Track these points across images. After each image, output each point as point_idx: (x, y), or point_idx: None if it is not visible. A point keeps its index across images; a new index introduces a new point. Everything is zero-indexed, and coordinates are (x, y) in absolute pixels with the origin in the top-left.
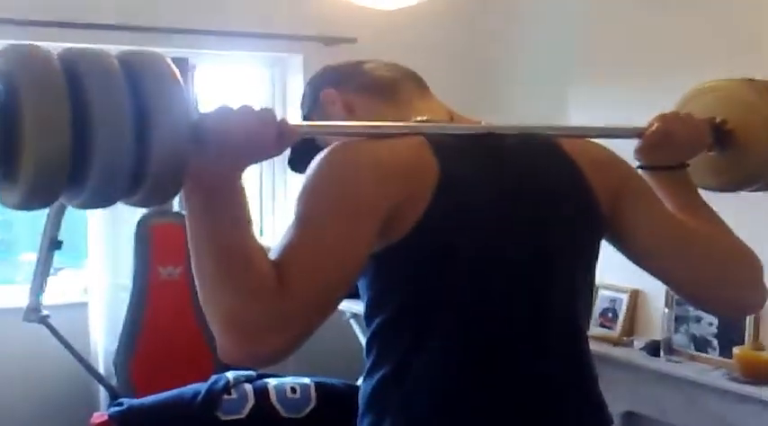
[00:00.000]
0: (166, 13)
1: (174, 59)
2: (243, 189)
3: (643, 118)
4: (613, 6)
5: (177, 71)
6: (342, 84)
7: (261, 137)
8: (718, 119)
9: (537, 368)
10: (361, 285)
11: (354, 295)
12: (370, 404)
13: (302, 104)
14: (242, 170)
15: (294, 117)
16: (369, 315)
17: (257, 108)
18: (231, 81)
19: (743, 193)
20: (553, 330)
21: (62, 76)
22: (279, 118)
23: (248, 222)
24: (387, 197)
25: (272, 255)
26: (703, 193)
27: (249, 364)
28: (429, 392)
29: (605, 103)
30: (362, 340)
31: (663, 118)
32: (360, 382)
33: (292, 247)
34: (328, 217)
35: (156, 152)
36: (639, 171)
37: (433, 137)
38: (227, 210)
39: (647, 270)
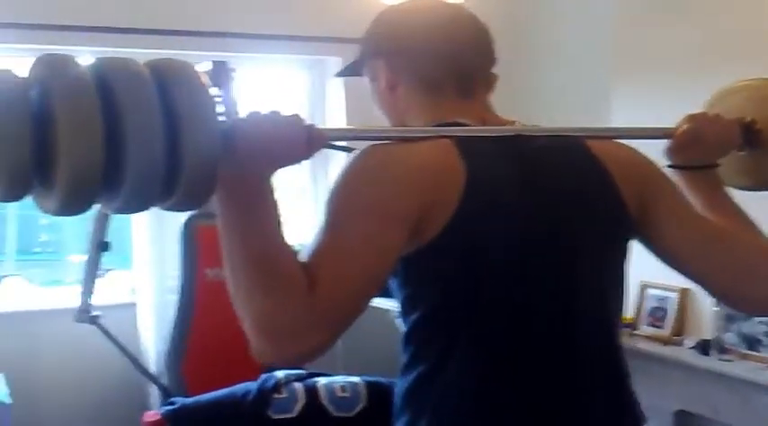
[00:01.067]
0: (205, 17)
1: (213, 63)
2: (273, 192)
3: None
4: (655, 5)
5: (206, 78)
6: (394, 62)
7: (290, 142)
8: (747, 119)
9: (567, 368)
10: (394, 285)
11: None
12: (407, 402)
13: (362, 45)
14: (271, 174)
15: (333, 119)
16: (404, 314)
17: (287, 113)
18: (271, 84)
19: None
20: (582, 328)
21: (94, 85)
22: (307, 123)
23: (279, 224)
24: (416, 200)
25: (303, 257)
26: (734, 193)
27: (281, 364)
28: (461, 391)
29: (647, 102)
30: None
31: (692, 118)
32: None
33: (322, 250)
34: (357, 219)
35: (188, 158)
36: (669, 170)
37: (461, 139)
38: (258, 213)
39: (676, 270)
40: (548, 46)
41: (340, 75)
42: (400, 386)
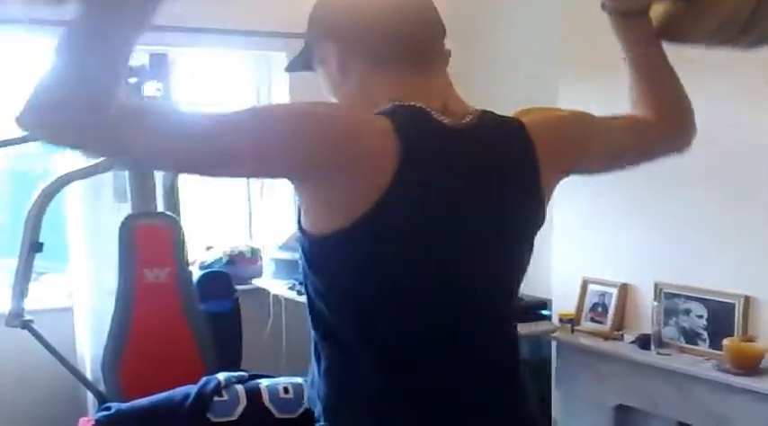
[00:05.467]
0: None
1: (152, 56)
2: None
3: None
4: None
5: None
6: (346, 44)
7: None
8: None
9: (477, 355)
10: (308, 268)
11: None
12: (327, 397)
13: (308, 29)
14: None
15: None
16: (319, 298)
17: None
18: (217, 77)
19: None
20: (495, 313)
21: None
22: None
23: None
24: (326, 161)
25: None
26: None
27: (38, 134)
28: (376, 379)
29: (594, 97)
30: None
31: None
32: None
33: (195, 118)
34: (268, 120)
35: None
36: (603, 10)
37: (400, 121)
38: (138, 18)
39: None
40: (495, 43)
41: (289, 69)
42: (316, 375)
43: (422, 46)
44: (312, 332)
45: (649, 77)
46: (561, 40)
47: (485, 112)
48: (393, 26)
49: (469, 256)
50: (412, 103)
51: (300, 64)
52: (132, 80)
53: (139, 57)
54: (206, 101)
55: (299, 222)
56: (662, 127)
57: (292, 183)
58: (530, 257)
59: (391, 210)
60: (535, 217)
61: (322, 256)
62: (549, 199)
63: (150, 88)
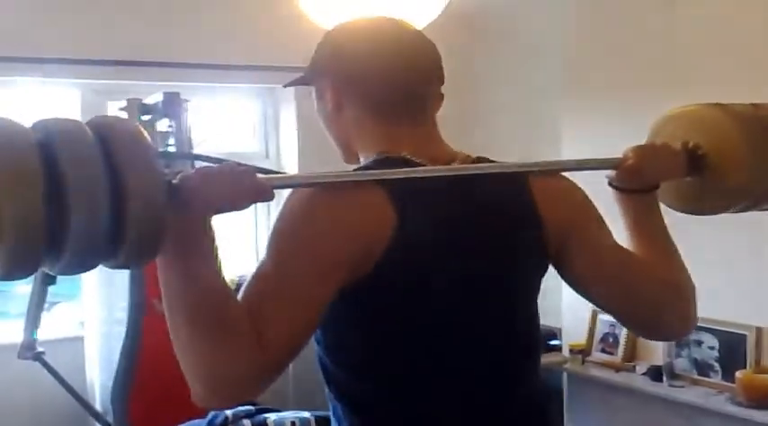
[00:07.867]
0: (156, 47)
1: (165, 94)
2: (212, 232)
3: (637, 138)
4: (600, 27)
5: (146, 134)
6: (343, 85)
7: (237, 196)
8: (691, 144)
9: (499, 400)
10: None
11: None
12: None
13: (310, 62)
14: (212, 216)
15: (287, 146)
16: (329, 355)
17: (234, 168)
18: (225, 113)
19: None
20: (515, 367)
21: (36, 147)
22: (255, 175)
23: (219, 266)
24: (346, 251)
25: (244, 298)
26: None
27: (222, 407)
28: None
29: (597, 119)
30: None
31: (637, 152)
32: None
33: (266, 294)
34: (295, 266)
35: (132, 216)
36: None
37: (394, 182)
38: (198, 256)
39: (585, 297)
40: (498, 68)
41: (288, 85)
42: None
43: (418, 94)
44: (327, 393)
45: (649, 250)
46: (564, 62)
47: (479, 159)
48: (391, 74)
49: (479, 305)
50: (399, 155)
51: (299, 82)
52: (146, 118)
53: (153, 96)
54: (215, 136)
55: None
56: (658, 286)
57: None
58: (536, 307)
59: (394, 265)
60: (535, 264)
61: (332, 314)
62: (549, 252)
63: (162, 125)
